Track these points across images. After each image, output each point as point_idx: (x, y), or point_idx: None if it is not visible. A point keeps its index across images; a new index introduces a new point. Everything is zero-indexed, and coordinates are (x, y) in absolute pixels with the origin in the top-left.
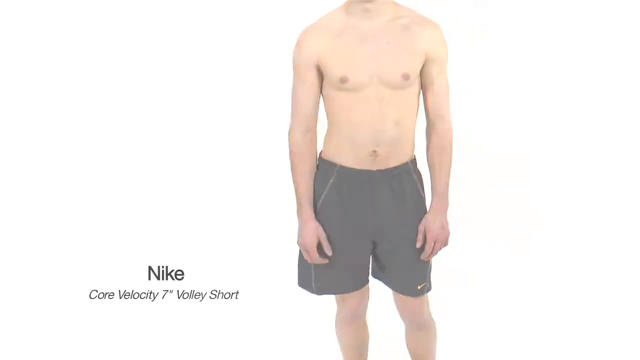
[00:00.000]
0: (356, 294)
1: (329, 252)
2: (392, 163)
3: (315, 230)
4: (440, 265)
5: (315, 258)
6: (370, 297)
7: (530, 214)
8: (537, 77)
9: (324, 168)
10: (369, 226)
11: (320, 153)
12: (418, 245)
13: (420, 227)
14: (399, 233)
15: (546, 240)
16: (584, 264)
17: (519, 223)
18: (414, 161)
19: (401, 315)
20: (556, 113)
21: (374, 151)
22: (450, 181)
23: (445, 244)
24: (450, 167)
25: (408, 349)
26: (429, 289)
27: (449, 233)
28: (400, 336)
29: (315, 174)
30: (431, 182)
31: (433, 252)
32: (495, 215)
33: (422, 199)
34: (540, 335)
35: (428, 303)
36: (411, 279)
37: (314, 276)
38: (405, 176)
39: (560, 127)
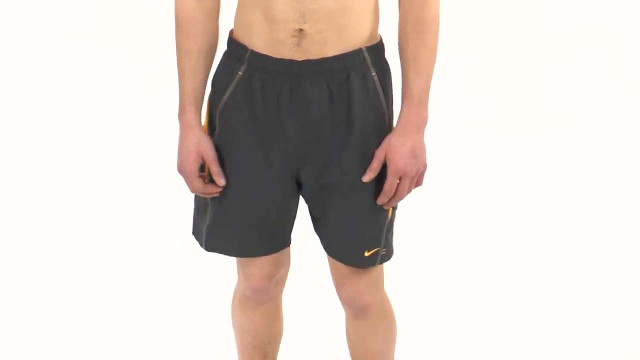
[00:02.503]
0: (266, 260)
1: (220, 181)
2: (332, 49)
3: (196, 144)
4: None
5: (197, 188)
6: (291, 268)
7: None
8: None
9: (231, 53)
10: (290, 153)
11: (231, 31)
12: (366, 178)
13: (379, 153)
14: (338, 167)
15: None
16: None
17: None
18: (375, 48)
19: (338, 294)
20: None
21: (300, 30)
22: (433, 82)
23: (419, 183)
24: (433, 57)
25: (348, 347)
26: (385, 258)
27: (424, 166)
28: (336, 329)
29: (222, 61)
30: (402, 80)
31: (397, 196)
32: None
33: (384, 113)
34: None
35: (381, 278)
36: (355, 240)
37: (208, 221)
38: (356, 73)
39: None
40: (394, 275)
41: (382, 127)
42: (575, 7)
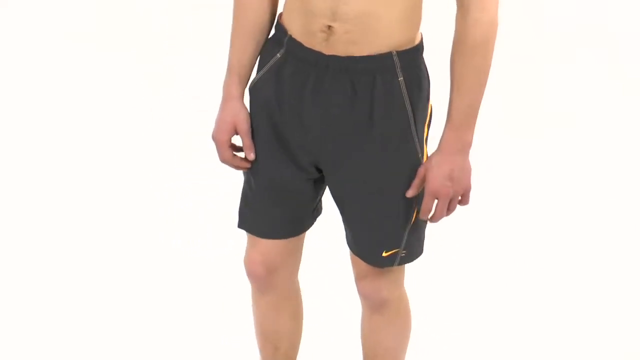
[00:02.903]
0: (270, 248)
1: (250, 154)
2: (360, 50)
3: (233, 116)
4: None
5: (226, 157)
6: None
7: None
8: None
9: (276, 34)
10: (309, 143)
11: (279, 15)
12: (409, 193)
13: (420, 170)
14: (355, 166)
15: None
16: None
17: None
18: (407, 53)
19: (357, 287)
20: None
21: (329, 27)
22: (434, 82)
23: (463, 202)
24: (479, 81)
25: (360, 339)
26: (406, 260)
27: (464, 188)
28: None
29: (266, 42)
30: (449, 99)
31: (436, 215)
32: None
33: (408, 119)
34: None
35: (402, 276)
36: (372, 239)
37: (242, 195)
38: (382, 76)
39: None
40: None
41: (406, 132)
42: (575, 7)
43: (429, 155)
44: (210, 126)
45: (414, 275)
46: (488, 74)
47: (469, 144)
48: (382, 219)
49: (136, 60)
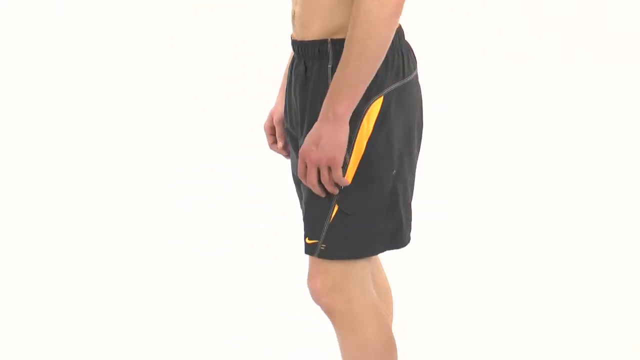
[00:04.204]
0: None
1: (280, 141)
2: (309, 35)
3: (275, 105)
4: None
5: (268, 143)
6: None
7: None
8: None
9: None
10: (290, 122)
11: None
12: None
13: None
14: (297, 150)
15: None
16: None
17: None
18: (343, 42)
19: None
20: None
21: (293, 10)
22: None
23: (335, 176)
24: (359, 53)
25: None
26: (326, 255)
27: (329, 159)
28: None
29: None
30: None
31: (308, 180)
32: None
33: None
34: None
35: (345, 283)
36: (304, 222)
37: None
38: (319, 62)
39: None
40: (393, 274)
41: None
42: (575, 7)
43: (369, 153)
44: (209, 126)
45: (413, 275)
46: (372, 55)
47: (340, 116)
48: (309, 205)
49: (136, 60)
